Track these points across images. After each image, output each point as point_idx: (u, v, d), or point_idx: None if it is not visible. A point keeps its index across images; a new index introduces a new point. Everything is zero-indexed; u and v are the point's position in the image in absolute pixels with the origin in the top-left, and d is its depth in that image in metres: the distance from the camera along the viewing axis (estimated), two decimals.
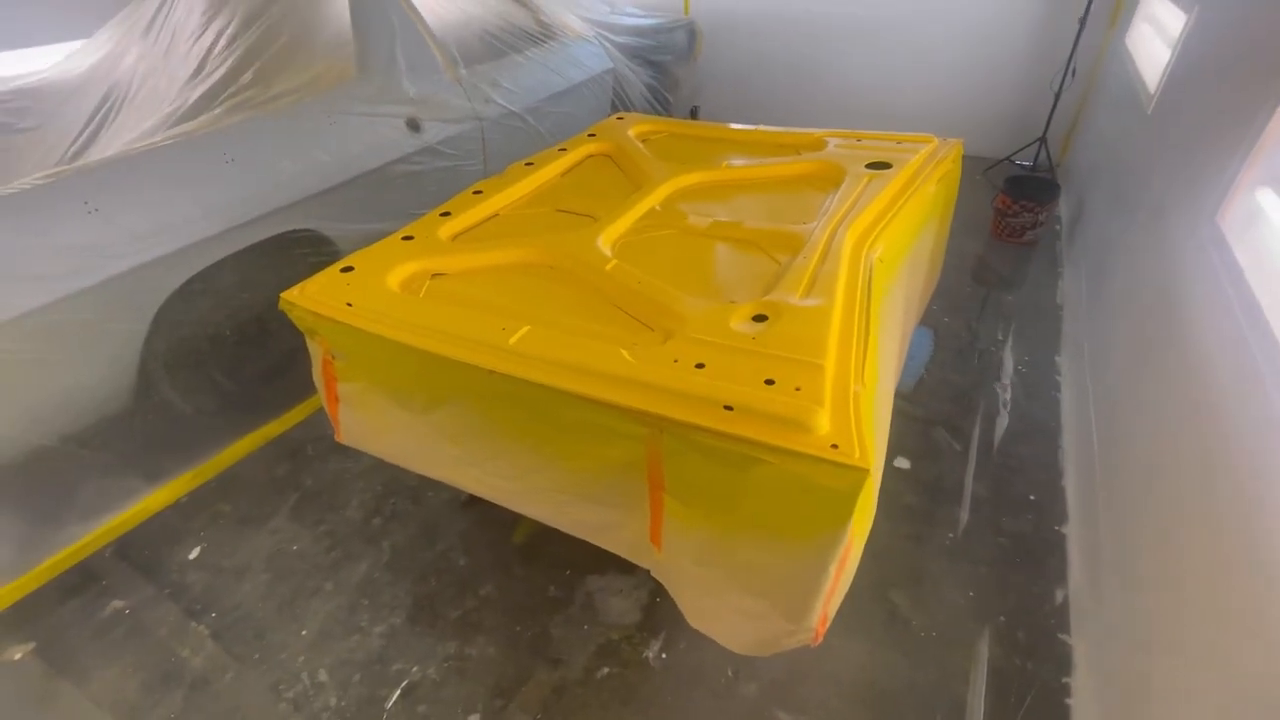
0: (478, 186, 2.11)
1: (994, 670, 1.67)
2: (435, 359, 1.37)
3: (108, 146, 2.40)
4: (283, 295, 1.57)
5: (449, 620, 1.86)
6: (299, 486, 2.34)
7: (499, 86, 3.18)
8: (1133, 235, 2.31)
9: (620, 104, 4.20)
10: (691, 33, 4.89)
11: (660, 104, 4.75)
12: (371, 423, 1.72)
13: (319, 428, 2.60)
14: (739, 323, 1.34)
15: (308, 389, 2.68)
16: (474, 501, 2.21)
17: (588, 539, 1.54)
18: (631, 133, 2.56)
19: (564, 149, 2.41)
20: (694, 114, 5.47)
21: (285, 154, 2.34)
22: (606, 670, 1.72)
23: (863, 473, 0.97)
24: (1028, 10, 4.39)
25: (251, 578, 2.02)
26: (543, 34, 3.55)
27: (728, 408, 1.10)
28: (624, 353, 1.25)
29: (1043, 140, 4.41)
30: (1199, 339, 1.54)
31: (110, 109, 2.62)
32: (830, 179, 2.08)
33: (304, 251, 2.48)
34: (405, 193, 2.80)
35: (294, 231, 2.39)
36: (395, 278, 1.63)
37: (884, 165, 2.06)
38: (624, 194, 2.13)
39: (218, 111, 2.26)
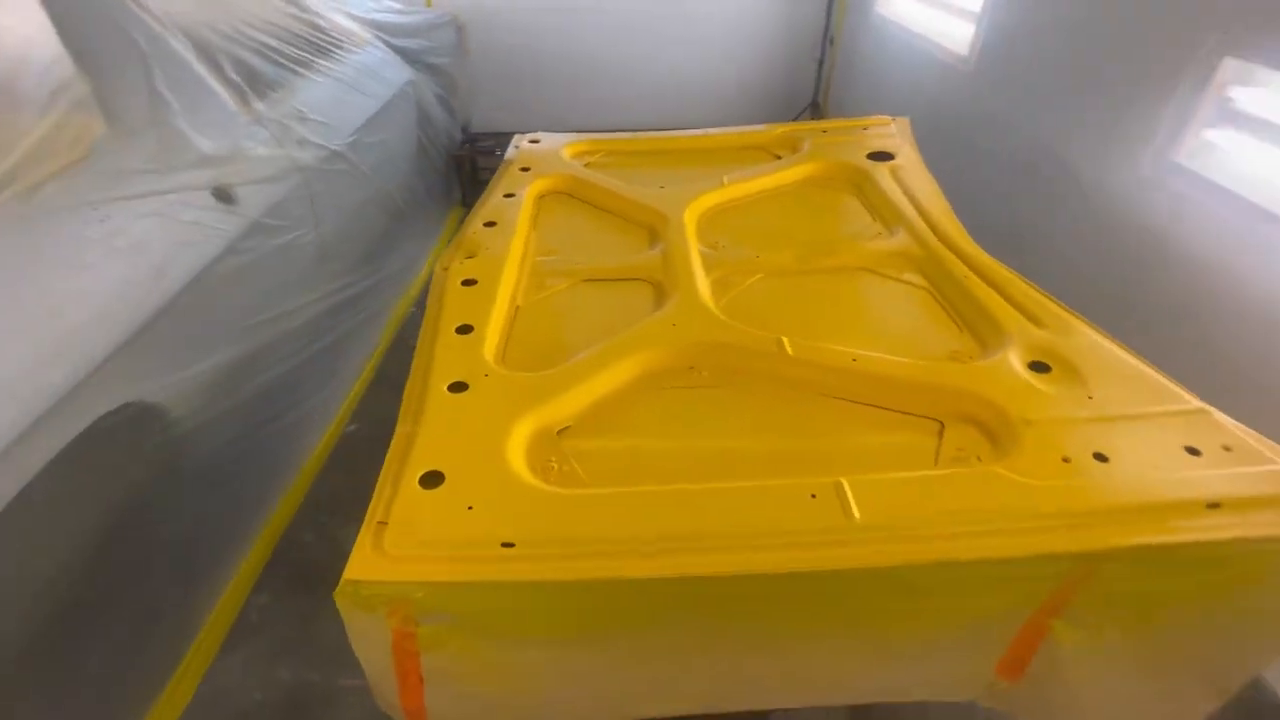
0: (464, 275, 1.43)
1: None
2: (704, 583, 0.85)
3: None
4: (348, 578, 0.83)
5: None
6: None
7: (306, 120, 2.29)
8: (1017, 186, 2.61)
9: (424, 122, 3.43)
10: (457, 28, 4.22)
11: (448, 114, 4.05)
12: (493, 689, 1.07)
13: (229, 699, 1.63)
14: (1033, 381, 1.09)
15: (173, 651, 1.66)
16: None
17: (876, 701, 1.18)
18: (566, 156, 2.05)
19: (511, 194, 1.80)
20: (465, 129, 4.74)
21: (54, 282, 1.31)
22: None
23: None
24: None
25: None
26: (325, 41, 2.65)
27: (1213, 505, 0.86)
28: (1004, 466, 0.92)
29: (814, 104, 4.88)
30: (1198, 259, 1.77)
31: None
32: (846, 178, 1.90)
33: (132, 441, 1.46)
34: (238, 300, 1.86)
35: (111, 415, 1.37)
36: (517, 463, 0.99)
37: (886, 155, 1.95)
38: (636, 239, 1.68)
39: None
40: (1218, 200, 1.75)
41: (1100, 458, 0.94)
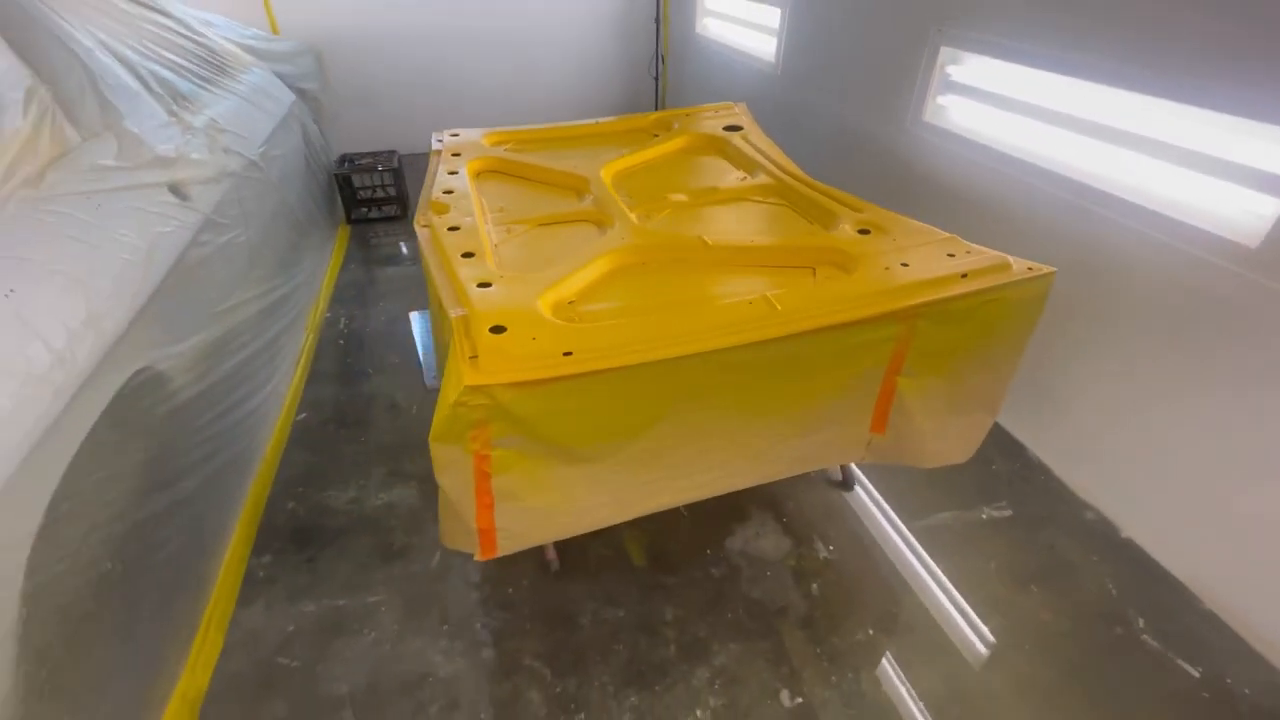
0: (449, 224, 1.79)
1: None
2: (696, 359, 1.32)
3: None
4: (467, 384, 1.18)
5: (701, 663, 1.73)
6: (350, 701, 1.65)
7: (224, 131, 2.45)
8: (827, 148, 3.42)
9: (308, 140, 3.58)
10: (316, 56, 4.37)
11: (322, 136, 4.19)
12: (543, 502, 1.46)
13: (263, 637, 1.80)
14: (863, 238, 1.71)
15: (195, 606, 1.80)
16: (562, 566, 1.97)
17: (799, 472, 1.72)
18: (487, 144, 2.44)
19: (454, 173, 2.16)
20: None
21: (82, 258, 1.47)
22: (817, 585, 1.92)
23: (1053, 272, 1.52)
24: (612, 15, 5.36)
25: None
26: (219, 61, 2.79)
27: (963, 275, 1.49)
28: (854, 278, 1.49)
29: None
30: (942, 177, 2.60)
31: None
32: (712, 144, 2.50)
33: (148, 403, 1.61)
34: (207, 287, 2.04)
35: (133, 378, 1.53)
36: (549, 312, 1.40)
37: (737, 127, 2.58)
38: (566, 197, 2.13)
39: None
40: (947, 140, 2.58)
41: (905, 265, 1.56)
